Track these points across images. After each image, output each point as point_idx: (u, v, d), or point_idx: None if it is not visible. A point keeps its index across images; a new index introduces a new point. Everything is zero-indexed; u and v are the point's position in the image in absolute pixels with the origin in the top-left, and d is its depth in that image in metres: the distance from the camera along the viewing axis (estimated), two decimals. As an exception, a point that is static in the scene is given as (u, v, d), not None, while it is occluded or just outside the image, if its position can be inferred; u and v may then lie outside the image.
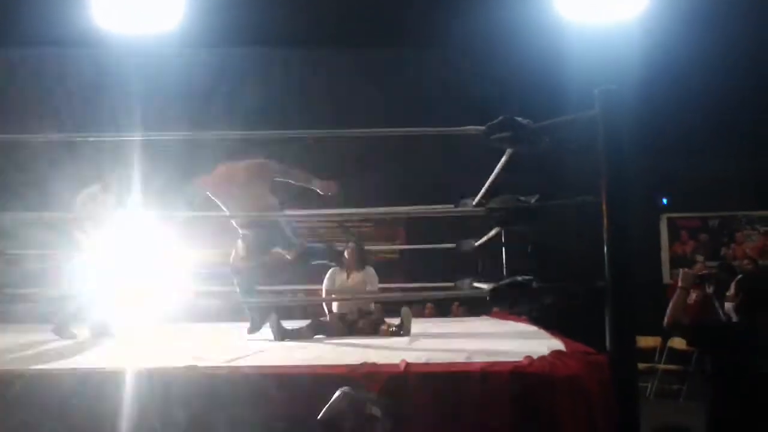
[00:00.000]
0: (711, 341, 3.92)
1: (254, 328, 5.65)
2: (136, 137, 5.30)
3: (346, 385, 2.86)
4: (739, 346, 3.75)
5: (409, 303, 6.37)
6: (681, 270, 4.18)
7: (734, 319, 4.00)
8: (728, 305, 4.20)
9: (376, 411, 2.69)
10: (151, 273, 5.92)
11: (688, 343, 5.51)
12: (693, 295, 7.19)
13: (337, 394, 2.74)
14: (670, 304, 3.94)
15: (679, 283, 4.08)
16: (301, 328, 5.53)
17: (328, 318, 5.90)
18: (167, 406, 3.28)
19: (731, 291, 4.08)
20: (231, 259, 5.76)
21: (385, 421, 2.70)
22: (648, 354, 9.07)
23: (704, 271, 5.64)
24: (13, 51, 9.72)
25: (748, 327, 3.83)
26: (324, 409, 2.71)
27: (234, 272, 5.75)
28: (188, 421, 3.25)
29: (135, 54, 9.81)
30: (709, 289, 5.64)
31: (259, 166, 5.53)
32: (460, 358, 3.73)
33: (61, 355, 4.52)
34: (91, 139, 5.03)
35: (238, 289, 5.78)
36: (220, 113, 9.66)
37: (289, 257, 5.76)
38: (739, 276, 4.23)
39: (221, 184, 5.56)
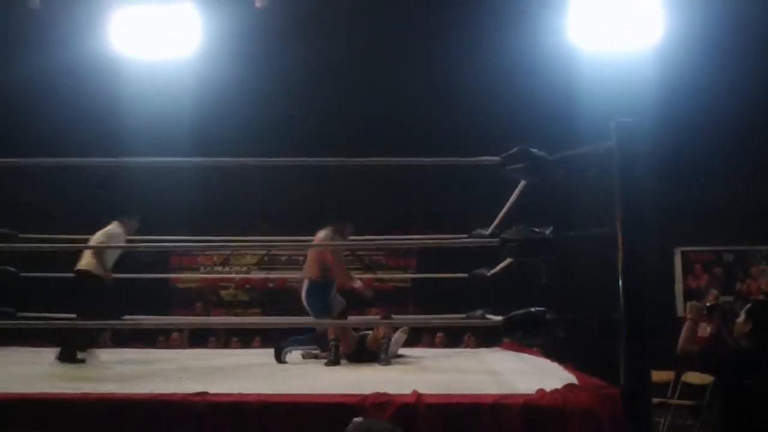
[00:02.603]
0: (721, 366, 3.93)
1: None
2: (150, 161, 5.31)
3: (359, 414, 2.83)
4: (748, 370, 3.75)
5: (420, 332, 6.35)
6: (689, 302, 4.19)
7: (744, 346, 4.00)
8: (736, 333, 4.28)
9: None
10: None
11: (700, 370, 5.48)
12: (708, 328, 7.11)
13: (354, 420, 2.70)
14: (681, 335, 3.95)
15: (688, 315, 4.10)
16: None
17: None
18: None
19: (741, 318, 4.10)
20: None
21: None
22: (661, 388, 8.95)
23: (713, 302, 5.61)
24: (30, 76, 9.81)
25: (757, 352, 3.82)
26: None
27: None
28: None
29: (150, 79, 9.89)
30: (719, 320, 5.61)
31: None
32: (471, 390, 3.70)
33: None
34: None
35: None
36: (233, 138, 9.73)
37: None
38: (748, 305, 4.27)
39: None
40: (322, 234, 6.14)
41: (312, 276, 6.10)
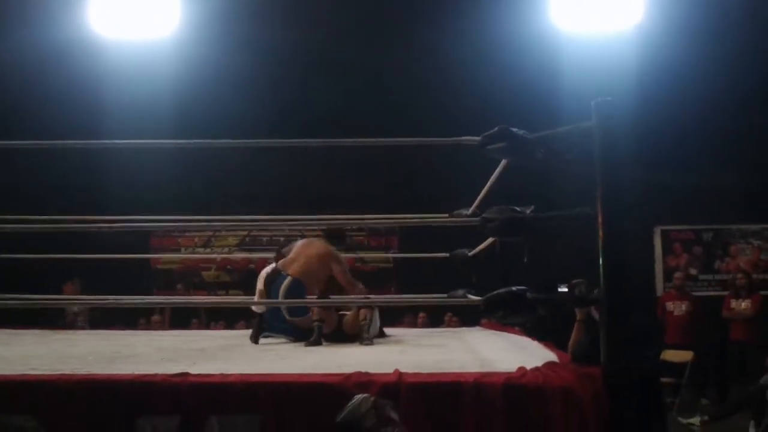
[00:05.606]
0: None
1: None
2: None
3: (340, 394, 2.84)
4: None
5: (402, 312, 6.35)
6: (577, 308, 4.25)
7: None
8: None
9: (395, 415, 2.66)
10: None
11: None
12: None
13: (356, 397, 2.70)
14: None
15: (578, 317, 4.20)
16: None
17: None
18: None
19: None
20: None
21: (402, 427, 2.68)
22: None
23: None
24: (8, 57, 9.69)
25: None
26: (344, 411, 2.65)
27: None
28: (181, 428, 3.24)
29: (130, 59, 9.80)
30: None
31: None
32: (453, 369, 3.72)
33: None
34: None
35: None
36: (213, 120, 9.67)
37: None
38: None
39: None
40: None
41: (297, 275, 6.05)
